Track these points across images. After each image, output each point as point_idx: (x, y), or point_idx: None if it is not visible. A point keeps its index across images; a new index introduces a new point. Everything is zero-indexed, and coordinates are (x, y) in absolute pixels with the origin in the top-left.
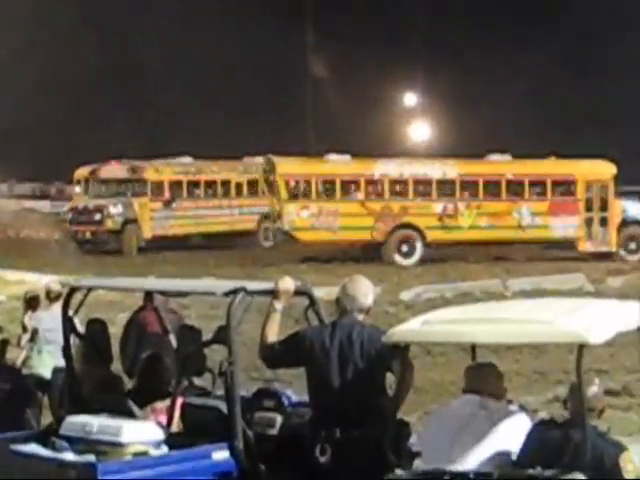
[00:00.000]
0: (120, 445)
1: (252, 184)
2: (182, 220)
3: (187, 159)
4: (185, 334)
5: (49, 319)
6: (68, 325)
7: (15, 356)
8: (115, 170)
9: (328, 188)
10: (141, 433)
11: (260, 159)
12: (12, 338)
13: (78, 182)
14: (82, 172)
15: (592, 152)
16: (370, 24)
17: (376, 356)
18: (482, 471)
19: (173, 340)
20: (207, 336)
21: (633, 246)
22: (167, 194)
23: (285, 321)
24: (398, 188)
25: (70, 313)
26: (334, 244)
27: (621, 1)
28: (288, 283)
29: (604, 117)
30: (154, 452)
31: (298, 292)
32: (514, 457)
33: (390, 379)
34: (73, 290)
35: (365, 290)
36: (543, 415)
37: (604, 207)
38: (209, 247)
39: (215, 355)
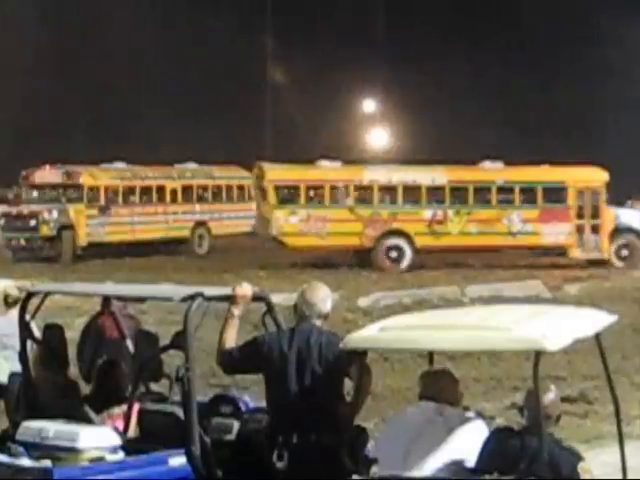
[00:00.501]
0: (76, 451)
1: (186, 190)
2: (117, 227)
3: (121, 164)
4: (142, 339)
5: (6, 324)
6: (25, 330)
7: None
8: (49, 175)
9: (317, 194)
10: (97, 439)
11: (194, 165)
12: None
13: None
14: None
15: (544, 156)
16: (329, 31)
17: (334, 362)
18: (439, 478)
19: (130, 345)
20: (164, 341)
21: (626, 253)
22: (103, 200)
23: (243, 326)
24: (387, 194)
25: (27, 318)
26: (323, 249)
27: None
28: (246, 289)
29: (559, 122)
30: (111, 458)
31: (256, 298)
32: (471, 464)
33: (348, 385)
34: (30, 295)
35: (323, 296)
36: (500, 422)
37: (596, 214)
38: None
39: (172, 360)
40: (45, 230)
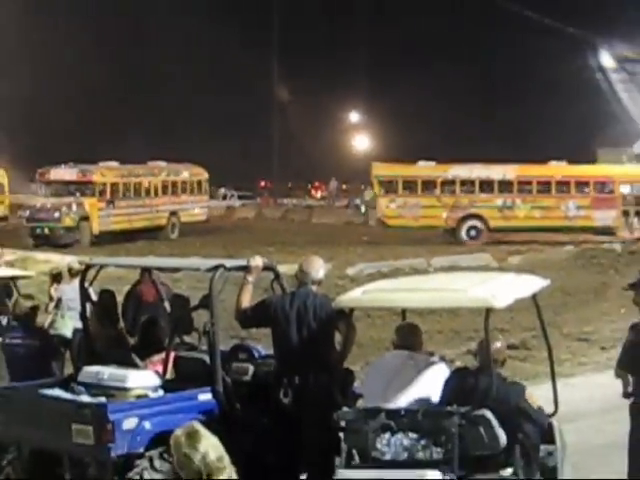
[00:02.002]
0: (125, 389)
1: (164, 186)
2: (120, 217)
3: (114, 163)
4: (176, 301)
5: (70, 290)
6: (84, 295)
7: (43, 319)
8: (64, 173)
9: (412, 186)
10: (142, 380)
11: (163, 163)
12: (41, 305)
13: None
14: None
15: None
16: (323, 58)
17: (326, 319)
18: (410, 408)
19: (167, 306)
20: (194, 302)
21: None
22: (109, 195)
23: (256, 291)
24: (467, 186)
25: (86, 285)
26: (415, 228)
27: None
28: (258, 261)
29: (510, 132)
30: (152, 395)
31: (266, 268)
32: (436, 398)
33: (338, 337)
34: (88, 267)
35: (317, 267)
36: (459, 364)
37: (638, 201)
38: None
39: (200, 318)
40: (67, 221)
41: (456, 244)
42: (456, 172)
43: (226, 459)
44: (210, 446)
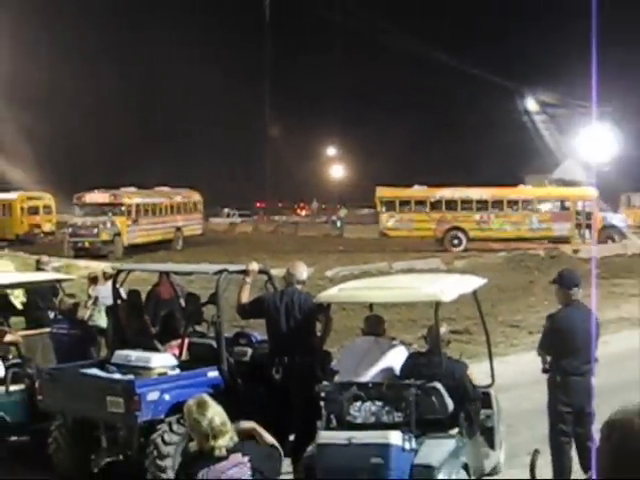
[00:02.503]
0: (149, 369)
1: (171, 206)
2: (142, 232)
3: (133, 188)
4: (189, 298)
5: (105, 290)
6: (116, 294)
7: (83, 313)
8: (97, 197)
9: (407, 205)
10: (162, 361)
11: (167, 188)
12: (81, 302)
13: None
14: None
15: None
16: (306, 103)
17: (309, 311)
18: (376, 382)
19: (182, 302)
20: (204, 299)
21: (610, 242)
22: (134, 214)
23: (252, 289)
24: (451, 205)
25: (117, 286)
26: (411, 238)
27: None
28: (254, 265)
29: (453, 161)
30: (171, 372)
31: (261, 271)
32: (397, 373)
33: (318, 326)
34: (119, 272)
35: (302, 270)
36: (415, 347)
37: (589, 217)
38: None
39: (209, 311)
40: (104, 236)
41: (412, 251)
42: (442, 193)
43: (229, 424)
44: (216, 413)
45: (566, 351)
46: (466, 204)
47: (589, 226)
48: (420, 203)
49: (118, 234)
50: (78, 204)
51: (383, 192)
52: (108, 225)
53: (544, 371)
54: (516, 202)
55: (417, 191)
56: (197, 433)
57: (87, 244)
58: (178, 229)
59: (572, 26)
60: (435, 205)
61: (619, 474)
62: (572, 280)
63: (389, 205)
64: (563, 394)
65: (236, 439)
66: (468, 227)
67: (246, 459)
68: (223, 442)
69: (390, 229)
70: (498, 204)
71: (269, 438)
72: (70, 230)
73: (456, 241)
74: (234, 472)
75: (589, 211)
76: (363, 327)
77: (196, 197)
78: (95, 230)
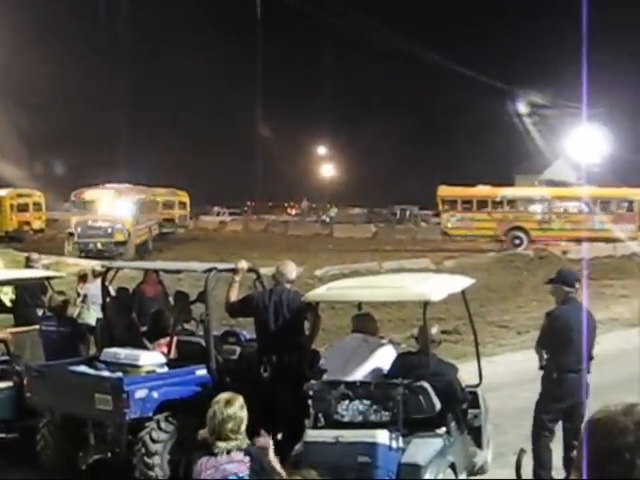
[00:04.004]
0: (138, 366)
1: (166, 203)
2: (143, 230)
3: (128, 185)
4: (178, 296)
5: (94, 288)
6: (105, 292)
7: (72, 311)
8: (99, 194)
9: (468, 204)
10: (151, 359)
11: (162, 189)
12: (71, 300)
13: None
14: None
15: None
16: (297, 103)
17: (297, 310)
18: (364, 380)
19: (171, 300)
20: (193, 297)
21: None
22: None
23: (241, 288)
24: (512, 204)
25: (106, 284)
26: (471, 237)
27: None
28: (243, 264)
29: (446, 162)
30: (159, 370)
31: (250, 270)
32: (385, 372)
33: (307, 325)
34: (108, 270)
35: (291, 269)
36: (404, 346)
37: None
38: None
39: (198, 309)
40: (119, 236)
41: (402, 251)
42: (504, 193)
43: (241, 435)
44: (234, 418)
45: (564, 348)
46: (528, 203)
47: None
48: (482, 202)
49: (129, 234)
50: (76, 201)
51: (445, 191)
52: (119, 225)
53: (541, 367)
54: (577, 201)
55: (479, 190)
56: (210, 423)
57: (100, 245)
58: (181, 226)
59: (563, 28)
60: (497, 205)
61: (600, 473)
62: (573, 276)
63: (451, 204)
64: (557, 390)
65: (244, 447)
66: (529, 227)
67: (247, 459)
68: (225, 445)
69: (451, 228)
70: (560, 203)
71: (277, 465)
72: (79, 230)
73: (517, 241)
74: (232, 467)
75: None
76: (351, 326)
77: (184, 196)
78: (109, 230)
